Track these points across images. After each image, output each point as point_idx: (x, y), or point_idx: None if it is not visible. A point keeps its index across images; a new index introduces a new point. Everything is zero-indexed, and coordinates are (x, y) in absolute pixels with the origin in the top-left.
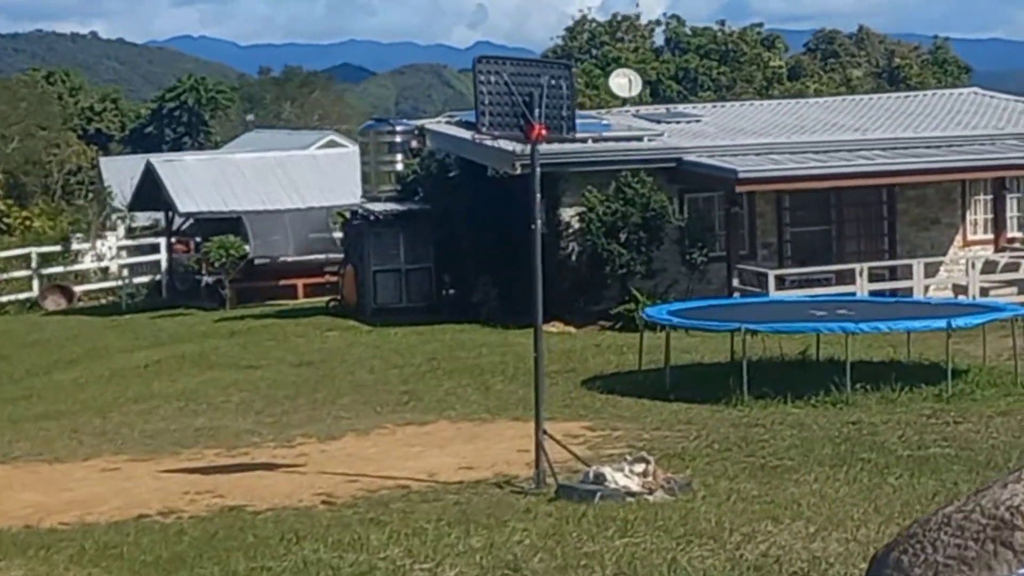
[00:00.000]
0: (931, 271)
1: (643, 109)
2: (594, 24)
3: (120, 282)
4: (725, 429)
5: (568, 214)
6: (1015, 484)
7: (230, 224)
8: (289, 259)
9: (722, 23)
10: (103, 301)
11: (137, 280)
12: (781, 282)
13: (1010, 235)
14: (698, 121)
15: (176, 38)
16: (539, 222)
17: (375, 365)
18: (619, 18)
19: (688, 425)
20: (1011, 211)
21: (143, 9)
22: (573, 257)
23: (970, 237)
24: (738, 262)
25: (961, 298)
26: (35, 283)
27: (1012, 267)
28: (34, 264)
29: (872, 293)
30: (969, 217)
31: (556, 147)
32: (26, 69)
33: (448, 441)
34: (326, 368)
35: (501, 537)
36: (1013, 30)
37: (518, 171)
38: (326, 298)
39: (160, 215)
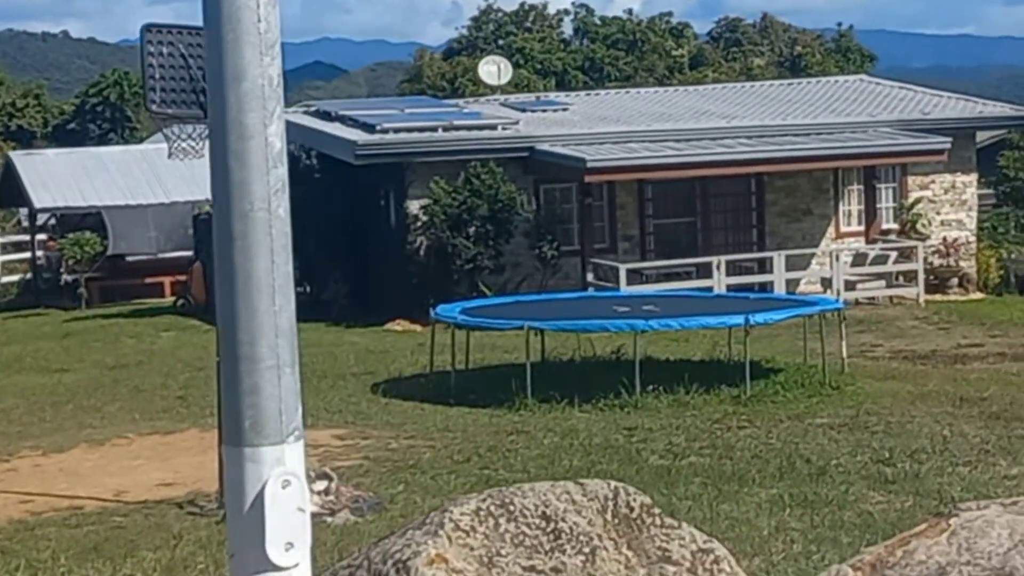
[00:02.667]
0: (803, 264)
1: (512, 97)
2: (500, 14)
3: None
4: (484, 437)
5: (415, 206)
6: (415, 531)
7: (97, 220)
8: (157, 256)
9: (630, 12)
10: None
11: (9, 279)
12: (640, 276)
13: (885, 226)
14: (565, 109)
15: None
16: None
17: (177, 368)
18: (526, 7)
19: (447, 432)
20: (885, 202)
21: (117, 8)
22: (421, 252)
23: (843, 229)
24: (594, 256)
25: (774, 292)
26: None
27: (881, 260)
28: None
29: (731, 287)
30: (842, 208)
31: (403, 136)
32: None
33: (181, 452)
34: (134, 371)
35: (113, 571)
36: (983, 26)
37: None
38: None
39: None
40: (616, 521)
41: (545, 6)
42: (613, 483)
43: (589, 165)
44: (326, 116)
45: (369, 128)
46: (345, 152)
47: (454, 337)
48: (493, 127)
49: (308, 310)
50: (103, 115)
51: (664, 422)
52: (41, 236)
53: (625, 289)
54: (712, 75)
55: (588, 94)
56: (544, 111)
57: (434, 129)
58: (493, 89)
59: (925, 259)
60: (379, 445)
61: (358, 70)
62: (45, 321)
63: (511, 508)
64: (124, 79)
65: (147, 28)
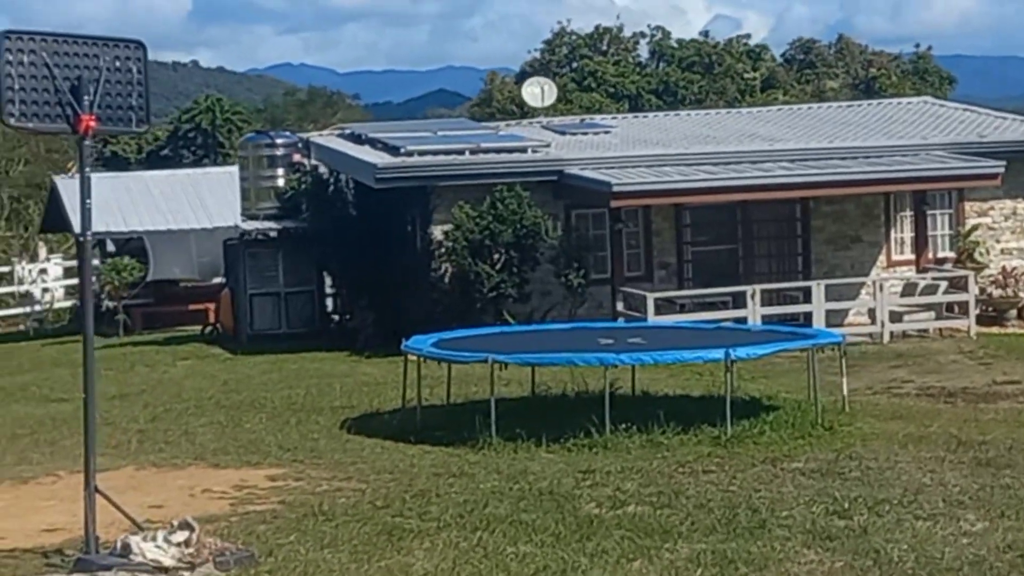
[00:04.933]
0: (851, 293)
1: (555, 120)
2: (574, 37)
3: (35, 307)
4: (423, 480)
5: (439, 232)
6: None
7: (141, 245)
8: (208, 282)
9: (706, 34)
10: (22, 327)
11: (62, 304)
12: (675, 306)
13: (940, 255)
14: (607, 132)
15: (276, 66)
16: (90, 234)
17: (164, 399)
18: (601, 30)
19: (388, 474)
20: (941, 229)
21: (248, 38)
22: (446, 279)
23: (895, 257)
24: (628, 284)
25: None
26: None
27: (931, 290)
28: None
29: (768, 318)
30: (894, 235)
31: (429, 159)
32: None
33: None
34: (126, 402)
35: None
36: None
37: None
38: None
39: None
40: None
41: (620, 28)
42: None
43: (615, 189)
44: (357, 139)
45: (394, 150)
46: (367, 175)
47: (420, 370)
48: (523, 150)
49: (340, 338)
50: (195, 141)
51: (627, 465)
52: (95, 262)
53: (652, 319)
54: (782, 98)
55: (635, 117)
56: (585, 134)
57: (461, 152)
58: (536, 111)
59: (982, 289)
60: (308, 488)
61: (481, 97)
62: (75, 349)
63: None
64: (216, 105)
65: (5, 35)
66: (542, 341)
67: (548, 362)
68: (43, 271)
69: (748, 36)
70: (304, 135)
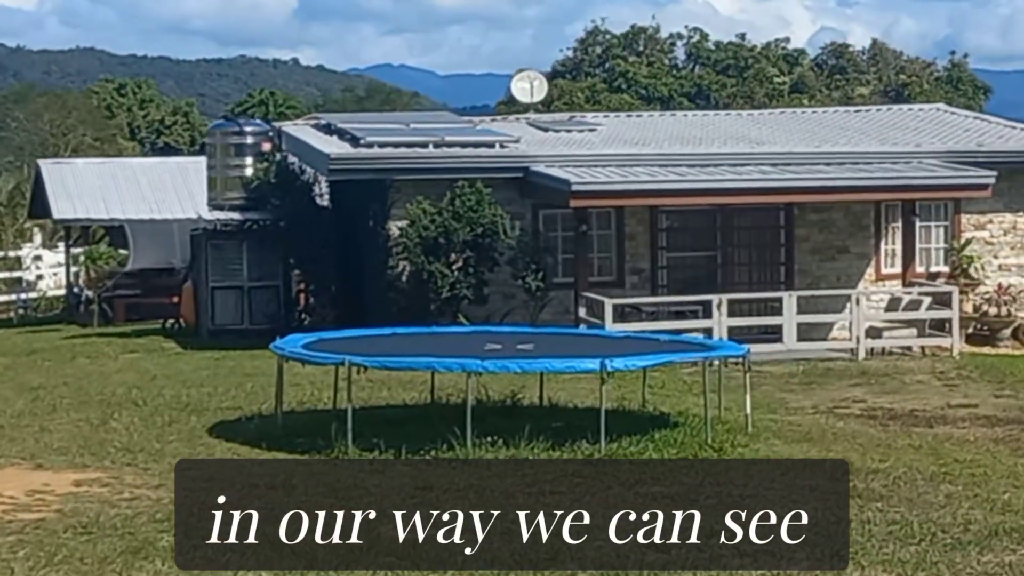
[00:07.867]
0: (837, 306)
1: (545, 116)
2: (608, 36)
3: (22, 295)
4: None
5: (396, 228)
6: None
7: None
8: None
9: (742, 37)
10: (11, 315)
11: (56, 292)
12: (640, 313)
13: (934, 269)
14: (592, 130)
15: (376, 66)
16: None
17: (68, 394)
18: (636, 29)
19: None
20: (935, 242)
21: (352, 37)
22: (403, 277)
23: (885, 270)
24: (593, 289)
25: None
26: None
27: (914, 305)
28: None
29: (735, 329)
30: (885, 247)
31: (388, 151)
32: (230, 94)
33: None
34: (37, 395)
35: None
36: None
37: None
38: None
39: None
40: None
41: (657, 29)
42: None
43: (574, 188)
44: (326, 129)
45: (355, 141)
46: (321, 166)
47: (281, 372)
48: (489, 145)
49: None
50: None
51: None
52: (78, 250)
53: (611, 327)
54: (809, 103)
55: (628, 116)
56: (569, 131)
57: (424, 145)
58: (526, 107)
59: (976, 307)
60: (108, 496)
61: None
62: (46, 338)
63: None
64: (271, 98)
65: None
66: (432, 344)
67: (407, 366)
68: (37, 258)
69: (787, 40)
70: (277, 124)
